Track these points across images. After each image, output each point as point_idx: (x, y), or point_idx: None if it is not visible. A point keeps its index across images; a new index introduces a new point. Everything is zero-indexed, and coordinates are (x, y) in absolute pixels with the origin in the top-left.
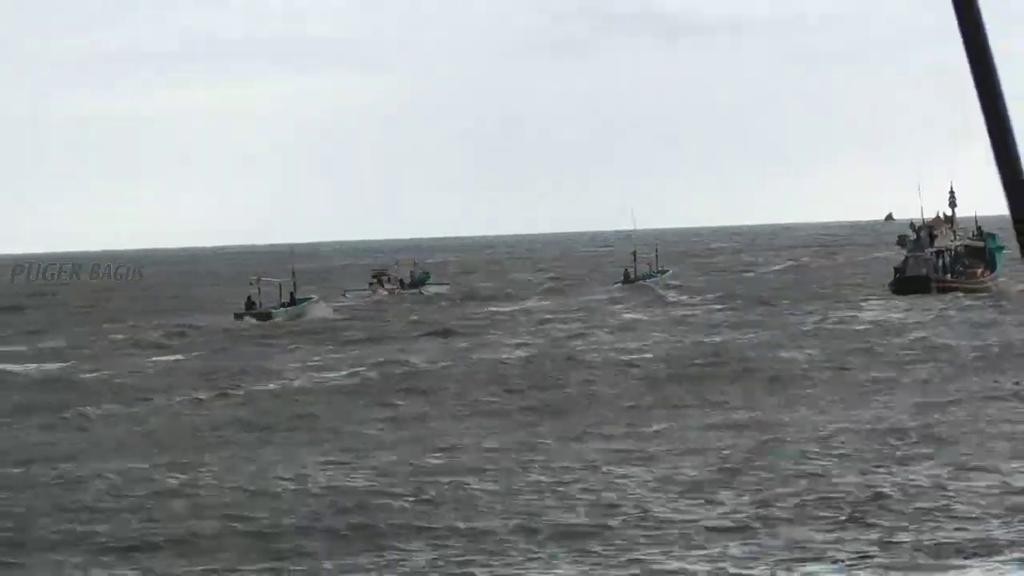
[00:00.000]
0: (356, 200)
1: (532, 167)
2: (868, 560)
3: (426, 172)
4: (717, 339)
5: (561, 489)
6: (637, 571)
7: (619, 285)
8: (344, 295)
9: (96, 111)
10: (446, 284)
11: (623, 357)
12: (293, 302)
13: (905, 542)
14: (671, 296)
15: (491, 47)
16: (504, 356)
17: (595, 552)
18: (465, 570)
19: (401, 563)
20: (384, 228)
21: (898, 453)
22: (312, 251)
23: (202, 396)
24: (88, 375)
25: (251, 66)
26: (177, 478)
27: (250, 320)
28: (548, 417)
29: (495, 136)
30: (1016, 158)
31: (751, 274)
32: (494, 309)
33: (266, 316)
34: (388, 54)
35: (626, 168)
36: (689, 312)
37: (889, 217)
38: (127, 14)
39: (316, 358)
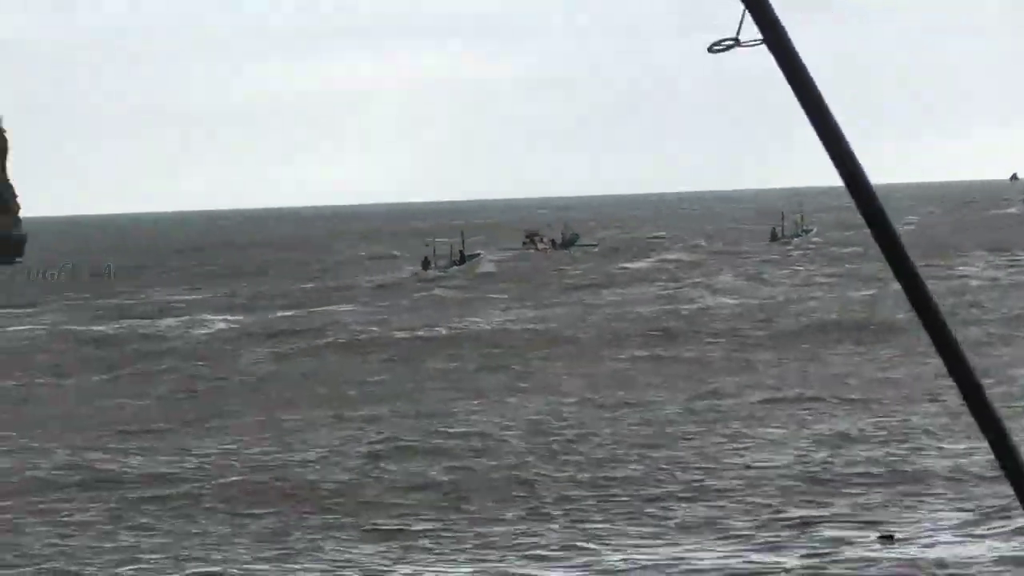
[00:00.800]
0: (505, 161)
1: (669, 131)
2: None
3: (574, 136)
4: (853, 294)
5: (687, 447)
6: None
7: (766, 243)
8: (502, 252)
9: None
10: (595, 245)
11: (761, 311)
12: (463, 260)
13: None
14: (813, 253)
15: (641, 25)
16: (648, 310)
17: (723, 501)
18: (606, 516)
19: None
20: (531, 187)
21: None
22: (476, 208)
23: (363, 342)
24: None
25: (417, 43)
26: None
27: (426, 276)
28: (678, 369)
29: (637, 104)
30: (851, 155)
31: None
32: (641, 265)
33: (439, 273)
34: (550, 28)
35: (765, 130)
36: (828, 268)
37: (1014, 177)
38: None
39: (479, 310)
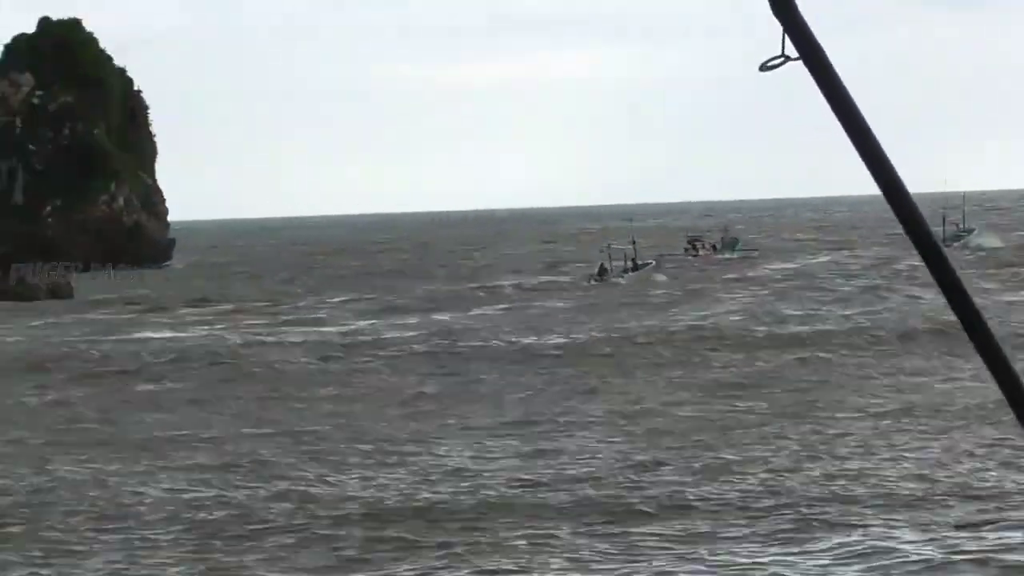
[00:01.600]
0: (658, 164)
1: (813, 133)
2: None
3: (717, 139)
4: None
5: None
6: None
7: None
8: (664, 258)
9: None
10: (755, 249)
11: (925, 316)
12: (636, 267)
13: None
14: (977, 257)
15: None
16: (808, 313)
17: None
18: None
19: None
20: (681, 191)
21: None
22: (633, 211)
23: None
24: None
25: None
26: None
27: (602, 283)
28: (839, 372)
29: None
30: (886, 161)
31: None
32: (799, 267)
33: (616, 279)
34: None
35: (932, 131)
36: (993, 271)
37: None
38: None
39: (657, 314)
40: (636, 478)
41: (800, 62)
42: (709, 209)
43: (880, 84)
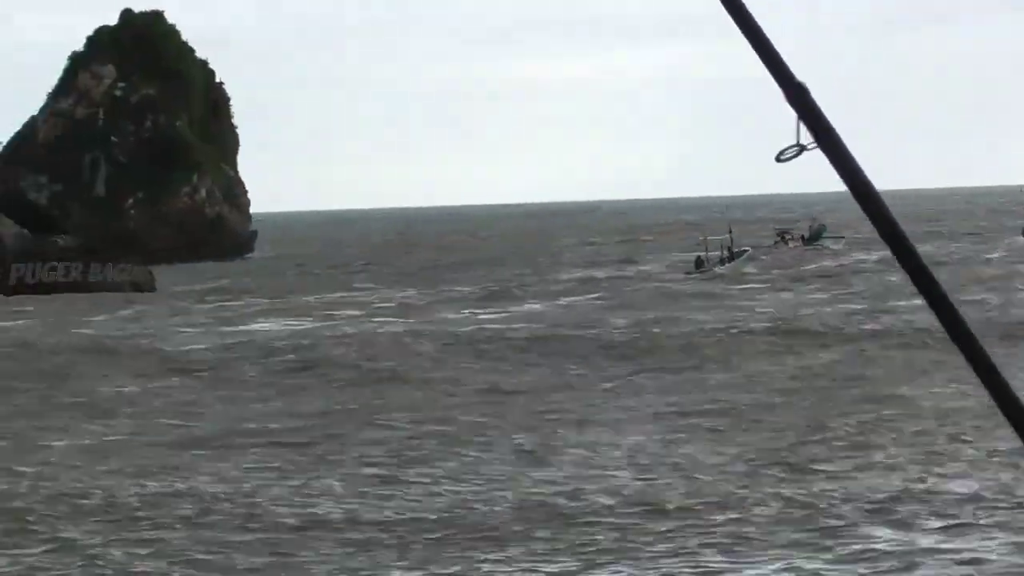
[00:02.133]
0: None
1: (912, 123)
2: None
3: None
4: None
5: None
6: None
7: (1015, 238)
8: (752, 249)
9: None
10: (842, 237)
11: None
12: (732, 257)
13: None
14: None
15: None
16: (904, 304)
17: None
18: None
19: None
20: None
21: None
22: (706, 205)
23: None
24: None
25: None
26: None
27: (699, 275)
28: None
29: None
30: (909, 245)
31: None
32: (875, 256)
33: (716, 270)
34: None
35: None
36: None
37: None
38: None
39: (728, 308)
40: (701, 475)
41: (815, 150)
42: (785, 202)
43: (962, 75)
